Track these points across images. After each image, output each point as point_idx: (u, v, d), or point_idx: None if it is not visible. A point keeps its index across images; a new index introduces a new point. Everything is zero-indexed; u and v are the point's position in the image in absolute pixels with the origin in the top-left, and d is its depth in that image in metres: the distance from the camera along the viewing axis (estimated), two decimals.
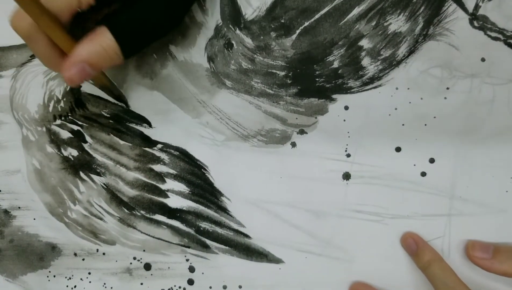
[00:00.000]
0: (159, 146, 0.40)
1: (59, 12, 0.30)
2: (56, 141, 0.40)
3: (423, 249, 0.37)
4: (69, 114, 0.40)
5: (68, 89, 0.40)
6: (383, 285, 0.38)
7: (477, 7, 0.36)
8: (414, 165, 0.38)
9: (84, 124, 0.40)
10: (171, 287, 0.40)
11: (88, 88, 0.40)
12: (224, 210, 0.39)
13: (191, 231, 0.39)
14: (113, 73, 0.40)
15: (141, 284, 0.40)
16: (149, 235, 0.40)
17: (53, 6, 0.29)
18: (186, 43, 0.39)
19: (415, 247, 0.37)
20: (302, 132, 0.39)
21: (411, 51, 0.37)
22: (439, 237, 0.37)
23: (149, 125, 0.40)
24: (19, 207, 0.41)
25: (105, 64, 0.31)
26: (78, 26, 0.32)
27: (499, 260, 0.35)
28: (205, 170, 0.39)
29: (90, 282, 0.40)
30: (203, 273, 0.40)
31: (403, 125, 0.38)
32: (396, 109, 0.38)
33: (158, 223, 0.40)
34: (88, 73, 0.31)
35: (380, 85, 0.38)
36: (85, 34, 0.31)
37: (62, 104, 0.40)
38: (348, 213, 0.38)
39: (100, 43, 0.30)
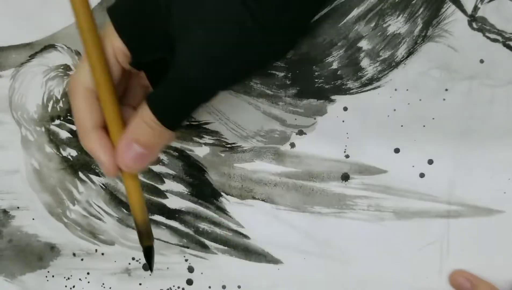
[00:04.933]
0: None
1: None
2: (55, 141, 0.40)
3: (479, 286, 0.36)
4: (68, 114, 0.40)
5: (67, 89, 0.40)
6: (380, 286, 0.38)
7: (476, 8, 0.36)
8: (413, 166, 0.38)
9: None
10: (170, 287, 0.40)
11: None
12: (223, 210, 0.39)
13: (190, 231, 0.40)
14: None
15: (140, 284, 0.40)
16: None
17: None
18: None
19: (468, 285, 0.36)
20: (301, 133, 0.39)
21: (410, 53, 0.37)
22: (437, 239, 0.38)
23: None
24: (18, 207, 0.41)
25: (156, 141, 0.28)
26: None
27: None
28: (204, 171, 0.39)
29: (89, 282, 0.40)
30: (202, 273, 0.40)
31: (401, 126, 0.38)
32: (395, 110, 0.38)
33: (157, 223, 0.40)
34: (144, 154, 0.28)
35: (379, 86, 0.38)
36: None
37: (61, 104, 0.40)
38: (347, 214, 0.38)
39: (142, 118, 0.28)
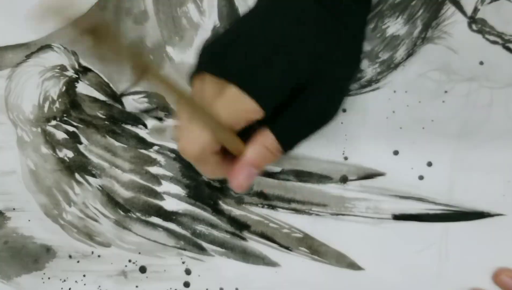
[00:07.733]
0: (155, 148, 0.39)
1: (234, 125, 0.30)
2: (51, 142, 0.40)
3: None
4: (65, 115, 0.40)
5: (64, 90, 0.40)
6: (378, 289, 0.38)
7: (475, 10, 0.36)
8: (412, 168, 0.37)
9: (80, 125, 0.40)
10: None
11: (83, 88, 0.40)
12: (220, 212, 0.39)
13: (187, 233, 0.39)
14: (110, 74, 0.40)
15: (136, 287, 0.40)
16: (144, 238, 0.40)
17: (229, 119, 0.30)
18: (183, 44, 0.39)
19: None
20: None
21: (409, 54, 0.37)
22: (436, 242, 0.37)
23: (145, 126, 0.40)
24: (13, 209, 0.41)
25: (268, 163, 0.32)
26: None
27: None
28: None
29: (85, 284, 0.40)
30: (199, 276, 0.39)
31: (400, 128, 0.37)
32: (393, 112, 0.37)
33: (154, 225, 0.39)
34: (254, 174, 0.32)
35: (378, 88, 0.38)
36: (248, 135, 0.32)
37: (57, 105, 0.40)
38: (345, 217, 0.38)
39: (264, 144, 0.31)
